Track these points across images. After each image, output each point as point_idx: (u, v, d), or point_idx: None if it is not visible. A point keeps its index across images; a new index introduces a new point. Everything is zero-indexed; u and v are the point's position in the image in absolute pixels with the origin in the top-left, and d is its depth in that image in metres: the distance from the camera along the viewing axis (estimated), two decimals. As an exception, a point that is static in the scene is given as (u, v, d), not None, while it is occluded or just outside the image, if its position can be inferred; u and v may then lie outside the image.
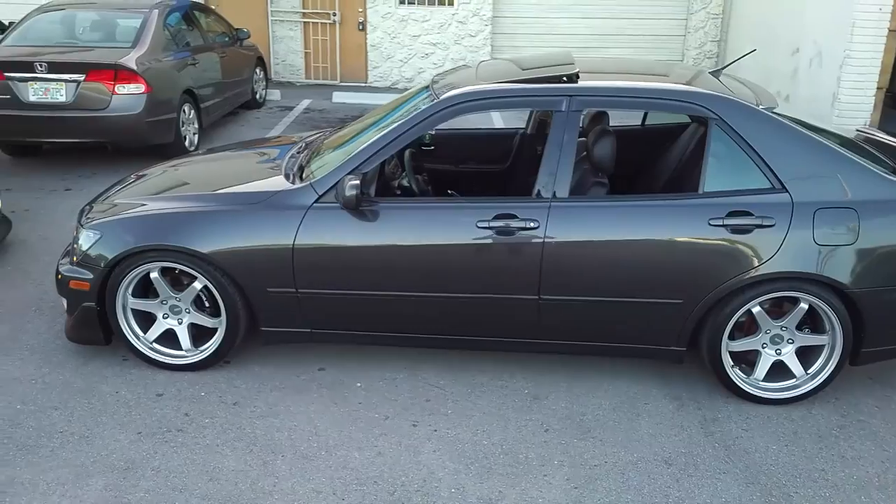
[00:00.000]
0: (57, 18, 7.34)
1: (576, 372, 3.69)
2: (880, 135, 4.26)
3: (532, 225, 3.27)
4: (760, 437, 3.22)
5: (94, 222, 3.60)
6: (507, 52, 11.36)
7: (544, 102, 3.46)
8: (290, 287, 3.43)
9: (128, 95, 6.50)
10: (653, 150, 4.25)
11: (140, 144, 6.81)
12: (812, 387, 3.43)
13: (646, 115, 4.65)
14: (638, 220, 3.29)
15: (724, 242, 3.24)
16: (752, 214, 3.23)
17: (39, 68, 6.35)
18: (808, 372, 3.43)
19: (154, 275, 3.52)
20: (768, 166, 3.26)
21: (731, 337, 3.41)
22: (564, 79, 3.45)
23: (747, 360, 3.49)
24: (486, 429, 3.25)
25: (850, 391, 3.58)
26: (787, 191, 3.24)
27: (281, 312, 3.52)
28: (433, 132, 4.55)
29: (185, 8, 8.07)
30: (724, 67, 4.24)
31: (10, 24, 7.69)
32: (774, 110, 3.40)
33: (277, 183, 3.58)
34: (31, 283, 4.52)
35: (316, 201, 3.39)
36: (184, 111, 7.21)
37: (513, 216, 3.29)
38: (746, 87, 3.78)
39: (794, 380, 3.45)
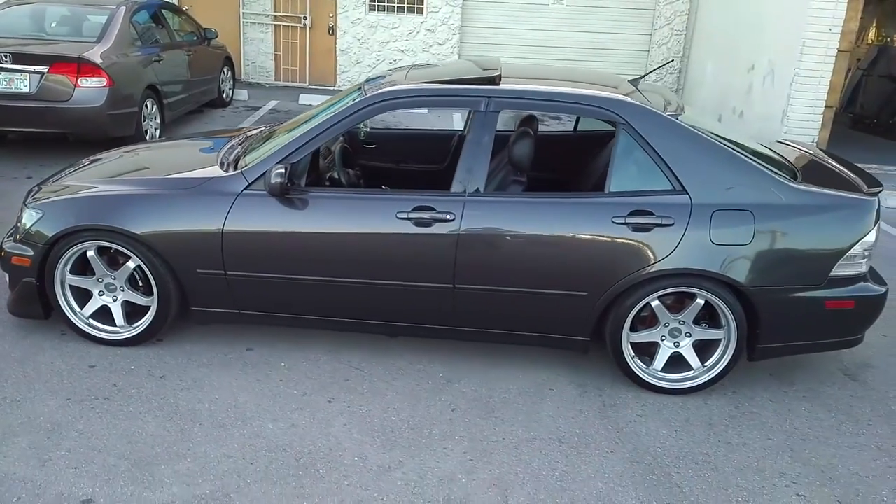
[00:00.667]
0: (26, 12, 7.50)
1: (492, 359, 3.91)
2: (797, 145, 4.51)
3: (448, 217, 3.49)
4: (653, 423, 3.45)
5: (36, 202, 3.78)
6: (476, 62, 11.61)
7: (464, 102, 3.67)
8: (219, 269, 3.63)
9: (90, 89, 6.66)
10: (585, 154, 4.50)
11: (101, 136, 6.96)
12: (708, 378, 3.67)
13: (578, 121, 4.91)
14: (547, 217, 3.51)
15: (625, 239, 3.46)
16: (652, 214, 3.46)
17: (4, 59, 6.50)
18: (706, 364, 3.66)
19: (90, 253, 3.69)
20: (670, 169, 3.50)
21: (634, 329, 3.64)
22: (487, 81, 3.69)
23: (649, 352, 3.71)
24: (397, 407, 3.45)
25: (749, 385, 3.82)
26: (686, 192, 3.48)
27: (210, 293, 3.71)
28: (367, 128, 4.77)
29: (153, 7, 8.25)
30: (644, 76, 4.50)
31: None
32: (680, 117, 3.63)
33: (211, 171, 3.77)
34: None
35: (245, 188, 3.59)
36: (146, 106, 7.38)
37: (431, 208, 3.51)
38: (659, 94, 4.03)
39: (692, 371, 3.68)
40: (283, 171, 3.43)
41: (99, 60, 6.71)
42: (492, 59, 4.29)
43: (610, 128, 4.36)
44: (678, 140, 3.53)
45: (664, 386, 3.68)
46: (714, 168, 3.51)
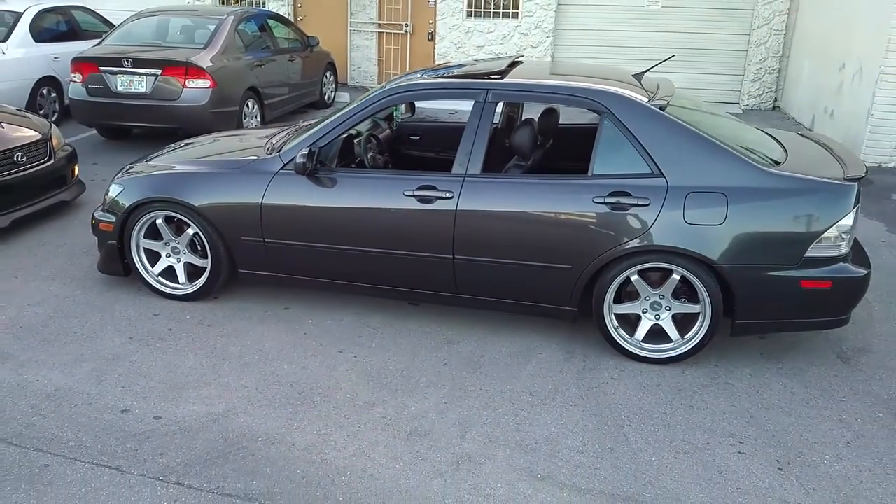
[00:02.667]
0: (149, 23, 8.61)
1: (494, 327, 4.34)
2: (814, 137, 4.64)
3: (448, 195, 3.97)
4: (624, 385, 3.78)
5: (120, 178, 4.58)
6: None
7: (467, 94, 4.13)
8: (258, 237, 4.28)
9: (196, 89, 7.60)
10: (584, 142, 4.85)
11: (206, 132, 7.88)
12: (686, 349, 3.93)
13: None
14: (536, 196, 3.91)
15: (604, 218, 3.81)
16: (630, 195, 3.79)
17: (126, 63, 7.56)
18: (685, 337, 3.94)
19: (159, 221, 4.45)
20: (648, 154, 3.81)
21: (619, 301, 3.97)
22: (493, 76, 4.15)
23: (634, 323, 4.03)
24: (396, 359, 3.96)
25: (735, 362, 4.04)
26: (663, 176, 3.78)
27: (252, 258, 4.37)
28: (399, 119, 5.32)
29: (260, 17, 9.20)
30: (647, 71, 4.78)
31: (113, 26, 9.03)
32: (665, 108, 3.93)
33: (257, 154, 4.44)
34: (89, 232, 5.59)
35: (281, 168, 4.23)
36: (247, 105, 8.28)
37: (433, 187, 4.00)
38: (656, 86, 4.32)
39: (671, 343, 3.96)
40: (307, 153, 4.03)
41: (204, 64, 7.64)
42: (517, 57, 4.73)
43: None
44: (657, 128, 3.83)
45: (645, 355, 3.98)
46: (689, 154, 3.78)
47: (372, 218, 4.10)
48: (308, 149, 4.09)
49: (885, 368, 4.01)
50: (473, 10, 12.30)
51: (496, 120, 5.26)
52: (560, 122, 5.12)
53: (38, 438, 3.18)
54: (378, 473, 3.05)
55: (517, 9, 12.18)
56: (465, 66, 4.81)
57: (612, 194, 3.80)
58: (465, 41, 12.35)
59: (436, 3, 12.29)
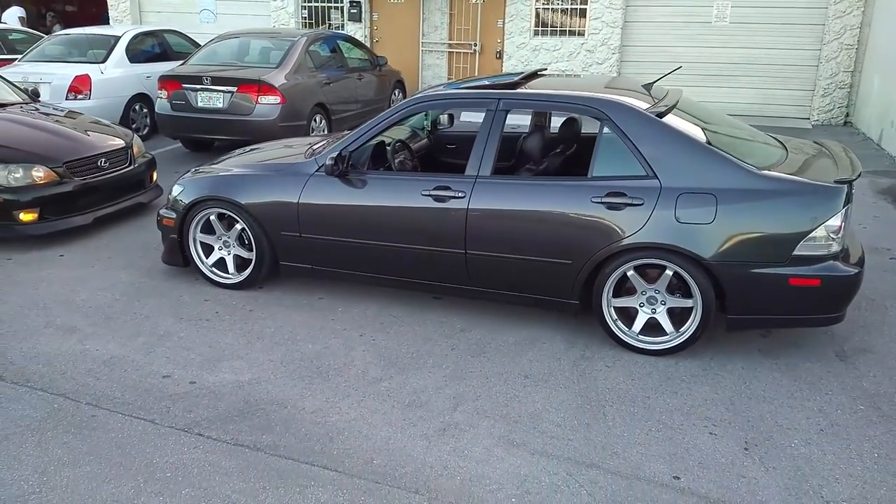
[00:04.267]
0: (229, 44, 9.41)
1: (506, 318, 4.68)
2: (827, 145, 4.78)
3: (460, 195, 4.36)
4: (616, 373, 4.05)
5: (181, 179, 5.19)
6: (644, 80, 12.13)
7: (482, 104, 4.51)
8: (296, 232, 4.78)
9: (267, 105, 8.28)
10: (586, 147, 5.13)
11: (276, 143, 8.56)
12: (680, 342, 4.16)
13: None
14: (539, 196, 4.25)
15: (601, 216, 4.11)
16: (625, 195, 4.07)
17: (205, 81, 8.32)
18: (680, 330, 4.17)
19: (212, 217, 5.02)
20: (644, 157, 4.09)
21: (618, 296, 4.25)
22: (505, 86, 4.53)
23: (631, 316, 4.29)
24: (410, 343, 4.36)
25: (731, 356, 4.23)
26: (657, 178, 4.06)
27: (291, 250, 4.87)
28: (427, 128, 5.75)
29: (332, 39, 9.88)
30: (656, 81, 5.03)
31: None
32: (663, 115, 4.20)
33: (297, 158, 4.95)
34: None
35: (316, 170, 4.72)
36: (315, 120, 8.91)
37: (448, 188, 4.40)
38: (664, 95, 4.58)
39: (666, 336, 4.20)
40: (336, 156, 4.51)
41: (275, 82, 8.32)
42: (539, 69, 5.11)
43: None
44: (652, 133, 4.11)
45: (641, 346, 4.23)
46: (681, 157, 4.04)
47: (394, 215, 4.52)
48: (338, 153, 4.56)
49: (881, 367, 4.12)
50: (540, 28, 12.68)
51: (526, 128, 5.68)
52: (583, 131, 5.43)
53: (91, 395, 3.74)
54: (372, 434, 3.44)
55: (583, 27, 12.47)
56: (486, 78, 5.19)
57: (608, 194, 4.09)
58: (531, 59, 12.73)
59: (503, 22, 12.73)
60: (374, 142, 4.83)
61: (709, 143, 4.10)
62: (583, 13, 12.50)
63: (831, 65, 11.72)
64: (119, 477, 3.11)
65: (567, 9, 12.59)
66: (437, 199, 4.40)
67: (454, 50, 13.19)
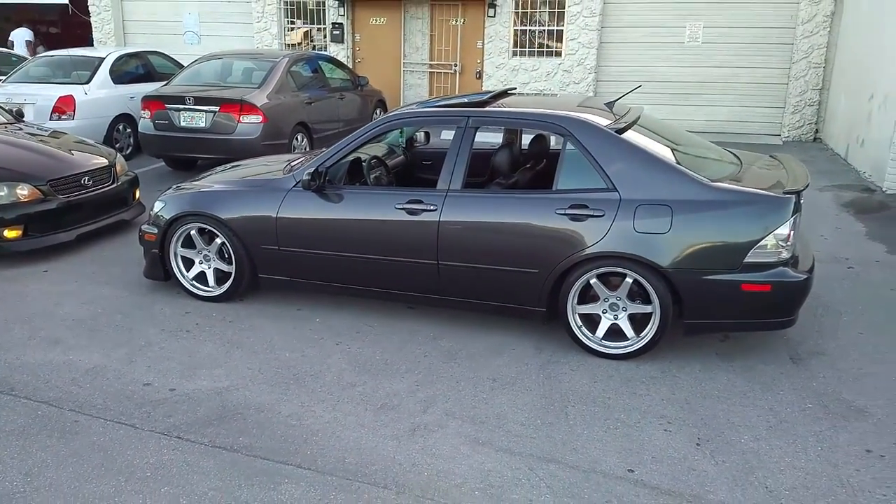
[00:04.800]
0: (213, 65, 9.62)
1: (478, 327, 4.86)
2: (783, 159, 5.02)
3: (432, 208, 4.56)
4: (580, 376, 4.23)
5: (163, 195, 5.36)
6: (609, 99, 12.43)
7: (452, 121, 4.73)
8: (274, 245, 4.95)
9: (249, 124, 8.48)
10: (552, 162, 5.35)
11: (257, 162, 8.75)
12: (640, 346, 4.36)
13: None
14: (507, 209, 4.45)
15: (565, 227, 4.31)
16: (587, 207, 4.29)
17: (188, 101, 8.51)
18: (640, 335, 4.37)
19: (193, 232, 5.19)
20: (604, 171, 4.31)
21: (583, 303, 4.45)
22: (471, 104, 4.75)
23: (595, 322, 4.48)
24: (384, 350, 4.54)
25: (689, 360, 4.42)
26: (617, 190, 4.27)
27: (270, 263, 5.04)
28: (402, 144, 5.96)
29: (313, 59, 10.10)
30: (618, 99, 5.27)
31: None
32: (623, 131, 4.42)
33: (275, 174, 5.14)
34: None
35: (294, 186, 4.91)
36: (296, 139, 9.11)
37: (420, 201, 4.60)
38: (627, 112, 4.82)
39: (628, 340, 4.40)
40: (312, 172, 4.71)
41: (257, 102, 8.52)
42: (508, 89, 5.35)
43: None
44: (611, 148, 4.33)
45: (605, 351, 4.42)
46: (639, 171, 4.27)
47: (368, 228, 4.71)
48: (315, 168, 4.76)
49: (832, 369, 4.33)
50: (518, 49, 12.98)
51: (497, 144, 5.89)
52: (553, 147, 5.66)
53: (74, 402, 3.89)
54: (344, 436, 3.61)
55: (560, 47, 12.78)
56: (457, 97, 5.41)
57: (571, 206, 4.31)
58: (510, 78, 13.01)
59: (483, 43, 13.03)
60: (349, 158, 5.03)
61: (665, 157, 4.32)
62: (560, 34, 12.81)
63: (800, 83, 12.06)
64: (100, 477, 3.26)
65: (544, 30, 12.90)
66: (410, 212, 4.59)
67: (435, 70, 13.46)
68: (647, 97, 12.36)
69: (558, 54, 12.83)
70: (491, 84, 13.16)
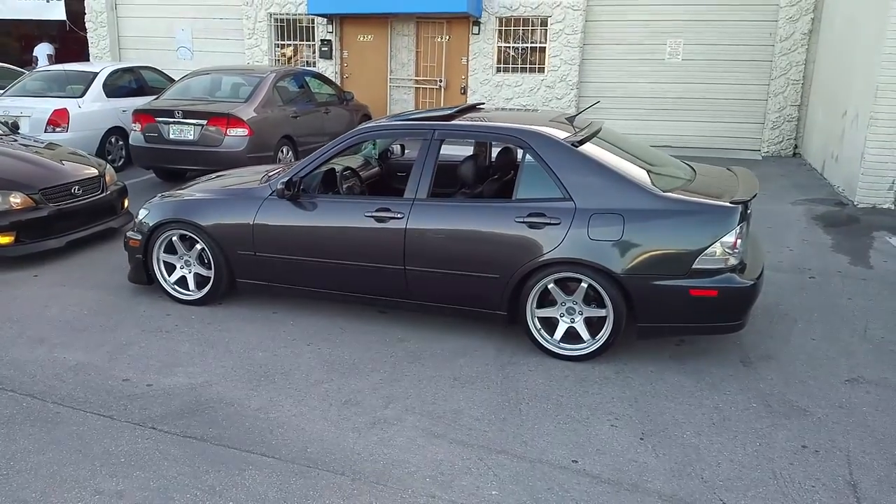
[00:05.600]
0: (202, 80, 9.90)
1: (445, 330, 5.08)
2: (737, 172, 5.27)
3: (399, 216, 4.80)
4: (536, 375, 4.46)
5: (147, 203, 5.61)
6: (592, 114, 12.74)
7: (419, 134, 4.99)
8: (251, 251, 5.19)
9: (235, 137, 8.74)
10: (513, 172, 5.61)
11: (244, 173, 9.00)
12: (595, 348, 4.59)
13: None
14: (470, 216, 4.70)
15: (524, 234, 4.55)
16: (544, 215, 4.53)
17: (177, 115, 8.78)
18: (595, 337, 4.60)
19: (174, 238, 5.43)
20: (561, 182, 4.56)
21: (542, 306, 4.68)
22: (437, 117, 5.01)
23: (554, 325, 4.71)
24: (351, 351, 4.76)
25: (644, 363, 4.63)
26: (572, 199, 4.52)
27: (247, 268, 5.28)
28: (376, 157, 6.23)
29: (300, 75, 10.40)
30: (578, 114, 5.54)
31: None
32: (581, 145, 4.68)
33: (253, 184, 5.39)
34: (128, 253, 6.65)
35: (269, 195, 5.16)
36: (282, 151, 9.37)
37: (388, 209, 4.84)
38: (586, 126, 5.08)
39: (584, 343, 4.63)
40: (286, 181, 4.96)
41: (243, 116, 8.79)
42: (477, 104, 5.61)
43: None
44: (568, 160, 4.59)
45: (562, 353, 4.65)
46: (594, 181, 4.51)
47: (339, 235, 4.96)
48: (289, 178, 5.01)
49: (779, 372, 4.55)
50: (502, 65, 13.30)
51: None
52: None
53: (56, 395, 4.11)
54: (308, 428, 3.84)
55: (543, 64, 13.10)
56: (425, 111, 5.68)
57: (530, 215, 4.55)
58: (494, 94, 13.31)
59: (467, 59, 13.34)
60: (323, 169, 5.28)
61: (619, 169, 4.57)
62: (542, 51, 13.14)
63: (779, 99, 12.37)
64: (78, 462, 3.48)
65: (528, 47, 13.22)
66: (379, 219, 4.84)
67: (421, 86, 13.76)
68: (628, 112, 12.71)
69: (541, 70, 13.14)
70: (474, 99, 13.45)
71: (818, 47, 12.04)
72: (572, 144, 4.65)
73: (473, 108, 5.62)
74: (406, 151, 6.99)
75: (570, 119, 5.27)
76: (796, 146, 12.61)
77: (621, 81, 12.95)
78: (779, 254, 7.00)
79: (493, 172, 5.77)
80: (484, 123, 4.96)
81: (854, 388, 4.34)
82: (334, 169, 5.50)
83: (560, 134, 4.77)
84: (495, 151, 5.94)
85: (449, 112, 5.18)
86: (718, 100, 12.72)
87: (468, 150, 6.05)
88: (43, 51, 16.49)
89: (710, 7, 12.39)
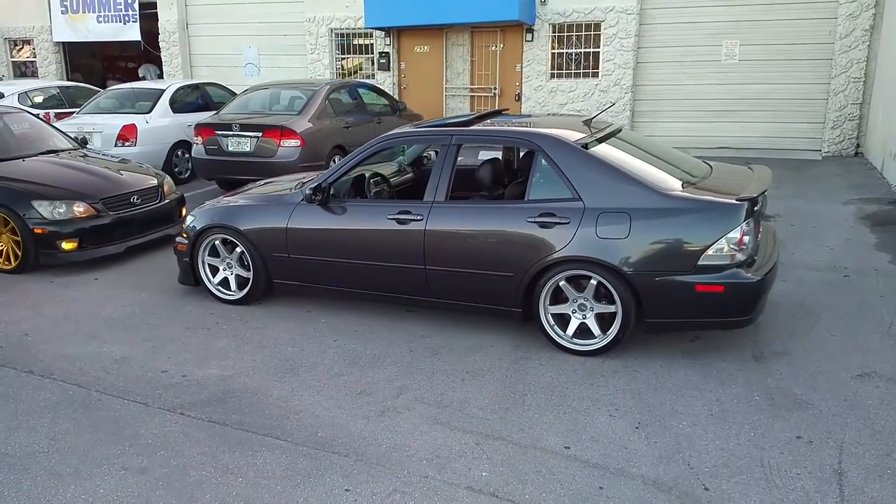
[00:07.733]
0: (260, 94, 10.43)
1: (465, 327, 5.30)
2: (756, 169, 5.31)
3: (419, 217, 5.05)
4: (547, 370, 4.62)
5: (194, 210, 6.04)
6: (647, 117, 12.76)
7: (438, 140, 5.24)
8: (285, 253, 5.54)
9: (288, 148, 9.19)
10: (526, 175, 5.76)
11: (297, 182, 9.43)
12: (605, 343, 4.71)
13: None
14: (485, 218, 4.91)
15: (535, 234, 4.74)
16: (555, 215, 4.70)
17: (235, 128, 9.29)
18: (606, 333, 4.74)
19: (217, 242, 5.83)
20: (570, 183, 4.72)
21: (555, 303, 4.85)
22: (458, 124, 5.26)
23: (567, 321, 4.86)
24: (373, 346, 5.03)
25: (654, 357, 4.73)
26: (581, 200, 4.68)
27: (282, 270, 5.63)
28: (405, 162, 6.50)
29: (352, 86, 10.81)
30: (594, 116, 5.65)
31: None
32: (589, 146, 4.83)
33: (287, 190, 5.74)
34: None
35: (301, 200, 5.49)
36: (334, 160, 9.77)
37: (409, 212, 5.11)
38: (601, 128, 5.22)
39: (595, 338, 4.77)
40: (314, 187, 5.28)
41: (296, 128, 9.23)
42: (501, 110, 5.83)
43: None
44: (577, 162, 4.74)
45: (574, 348, 4.80)
46: (602, 181, 4.66)
47: (365, 237, 5.24)
48: (317, 184, 5.33)
49: (791, 367, 4.57)
50: (556, 71, 13.42)
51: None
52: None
53: (101, 385, 4.53)
54: (322, 415, 4.12)
55: (597, 69, 13.15)
56: (447, 118, 5.92)
57: (541, 215, 4.73)
58: (548, 100, 13.45)
59: (521, 66, 13.52)
60: (352, 175, 5.58)
61: (627, 169, 4.70)
62: (596, 56, 13.19)
63: (840, 98, 12.07)
64: (111, 442, 3.86)
65: (581, 52, 13.30)
66: (400, 221, 5.10)
67: (475, 94, 14.02)
68: (684, 115, 12.64)
69: (595, 75, 13.20)
70: (529, 106, 13.63)
71: (881, 44, 11.69)
72: (582, 146, 4.80)
73: (497, 113, 5.82)
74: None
75: (587, 122, 5.41)
76: (858, 145, 12.26)
77: (677, 84, 12.88)
78: (818, 252, 6.92)
79: (512, 175, 5.96)
80: (498, 128, 5.17)
81: (864, 382, 4.33)
82: (364, 175, 5.80)
83: (571, 136, 4.92)
84: (518, 156, 6.12)
85: (469, 118, 5.40)
86: (777, 100, 12.50)
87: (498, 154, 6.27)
88: (149, 70, 17.90)
89: (765, 6, 12.20)
